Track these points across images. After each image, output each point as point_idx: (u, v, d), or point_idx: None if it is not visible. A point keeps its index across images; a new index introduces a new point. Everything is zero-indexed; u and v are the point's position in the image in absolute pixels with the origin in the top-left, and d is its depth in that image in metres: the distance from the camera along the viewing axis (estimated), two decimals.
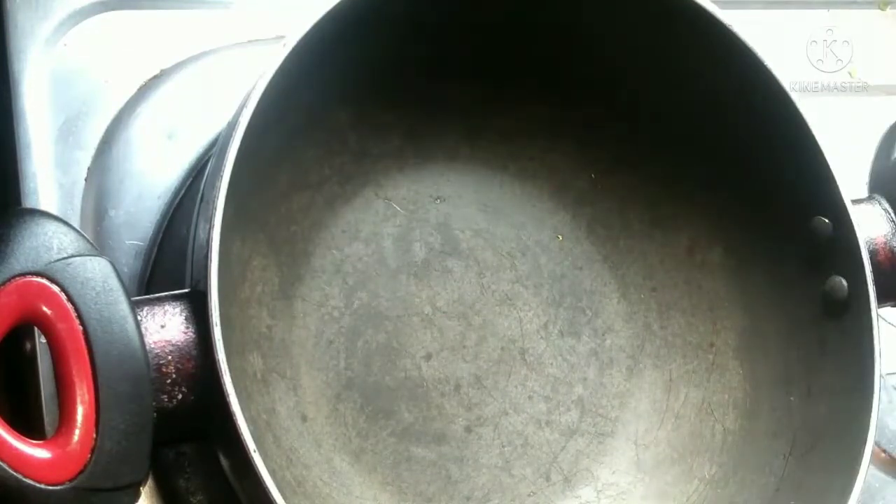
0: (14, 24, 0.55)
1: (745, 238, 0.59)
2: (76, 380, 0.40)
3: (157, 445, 0.42)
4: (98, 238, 0.54)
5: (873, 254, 0.55)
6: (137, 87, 0.57)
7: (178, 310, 0.44)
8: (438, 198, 0.59)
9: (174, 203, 0.56)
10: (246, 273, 0.53)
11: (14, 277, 0.40)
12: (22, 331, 0.47)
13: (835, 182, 0.53)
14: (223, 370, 0.42)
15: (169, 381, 0.43)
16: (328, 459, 0.54)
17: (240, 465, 0.43)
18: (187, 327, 0.44)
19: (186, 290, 0.45)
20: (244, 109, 0.44)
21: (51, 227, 0.41)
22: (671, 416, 0.59)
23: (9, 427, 0.39)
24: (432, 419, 0.56)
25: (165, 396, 0.43)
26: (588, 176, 0.61)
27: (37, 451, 0.39)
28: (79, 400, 0.40)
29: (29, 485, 0.38)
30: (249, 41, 0.60)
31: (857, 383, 0.52)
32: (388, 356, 0.56)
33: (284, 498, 0.41)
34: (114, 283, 0.42)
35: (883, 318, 0.59)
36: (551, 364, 0.59)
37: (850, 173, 0.67)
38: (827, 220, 0.54)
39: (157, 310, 0.44)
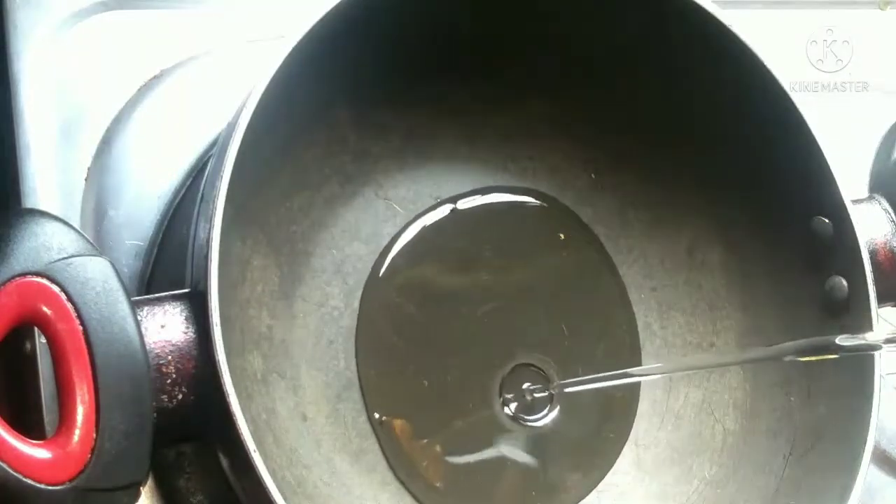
0: (14, 24, 0.55)
1: (745, 238, 0.59)
2: (76, 380, 0.40)
3: (157, 446, 0.42)
4: (98, 238, 0.54)
5: (873, 254, 0.55)
6: (137, 87, 0.57)
7: (178, 310, 0.44)
8: (438, 198, 0.59)
9: (174, 203, 0.56)
10: (246, 273, 0.53)
11: (14, 277, 0.40)
12: (22, 331, 0.47)
13: (835, 182, 0.53)
14: (223, 370, 0.41)
15: (169, 381, 0.43)
16: (328, 459, 0.54)
17: (240, 465, 0.43)
18: (187, 327, 0.44)
19: (186, 290, 0.45)
20: (244, 109, 0.44)
21: (51, 227, 0.41)
22: (671, 416, 0.59)
23: (9, 427, 0.39)
24: None
25: (165, 396, 0.43)
26: (588, 176, 0.61)
27: (37, 451, 0.39)
28: (79, 400, 0.40)
29: (29, 485, 0.38)
30: (249, 41, 0.60)
31: (857, 383, 0.52)
32: None
33: (284, 498, 0.41)
34: (114, 283, 0.42)
35: (883, 318, 0.59)
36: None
37: (850, 173, 0.67)
38: (827, 220, 0.54)
39: (157, 310, 0.44)
